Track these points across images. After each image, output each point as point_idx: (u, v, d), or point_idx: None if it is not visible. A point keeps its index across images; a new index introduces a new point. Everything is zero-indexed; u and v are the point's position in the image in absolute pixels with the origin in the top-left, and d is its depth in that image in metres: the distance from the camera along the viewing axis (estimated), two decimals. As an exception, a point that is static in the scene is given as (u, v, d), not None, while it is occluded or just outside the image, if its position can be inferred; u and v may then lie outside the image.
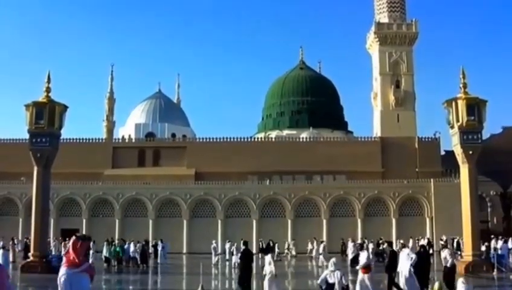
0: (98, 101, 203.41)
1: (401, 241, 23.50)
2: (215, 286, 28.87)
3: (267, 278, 18.32)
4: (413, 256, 19.27)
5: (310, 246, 51.30)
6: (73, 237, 6.98)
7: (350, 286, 18.47)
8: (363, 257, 19.49)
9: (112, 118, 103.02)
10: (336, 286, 15.95)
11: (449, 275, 19.61)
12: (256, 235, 58.53)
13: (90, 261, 40.43)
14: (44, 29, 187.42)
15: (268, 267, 18.38)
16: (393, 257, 20.57)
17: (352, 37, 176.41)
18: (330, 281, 16.11)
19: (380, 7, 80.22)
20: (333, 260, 16.89)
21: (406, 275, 18.94)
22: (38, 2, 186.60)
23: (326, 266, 18.07)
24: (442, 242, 21.26)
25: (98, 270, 36.25)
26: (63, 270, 6.77)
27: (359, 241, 48.16)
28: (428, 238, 52.40)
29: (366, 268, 17.94)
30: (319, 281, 17.08)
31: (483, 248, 37.00)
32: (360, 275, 17.95)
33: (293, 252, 53.28)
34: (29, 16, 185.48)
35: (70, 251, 6.80)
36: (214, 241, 47.21)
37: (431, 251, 50.09)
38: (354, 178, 63.71)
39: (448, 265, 19.89)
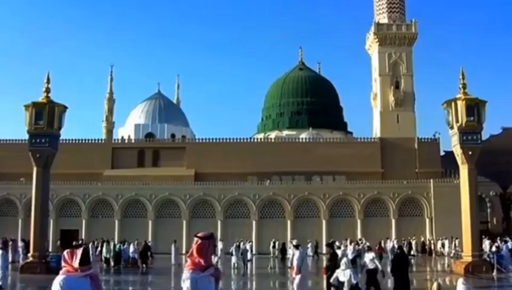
0: (97, 102, 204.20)
1: (367, 243, 23.03)
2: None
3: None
4: (377, 262, 19.50)
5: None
6: (196, 238, 6.18)
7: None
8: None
9: (111, 119, 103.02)
10: (345, 284, 16.63)
11: (372, 277, 19.41)
12: (256, 236, 58.59)
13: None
14: (44, 29, 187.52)
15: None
16: (334, 258, 20.61)
17: (351, 37, 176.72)
18: (341, 279, 16.96)
19: (380, 8, 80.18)
20: (344, 259, 17.41)
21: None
22: (38, 2, 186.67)
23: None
24: (368, 244, 21.01)
25: (99, 270, 36.19)
26: (186, 273, 6.05)
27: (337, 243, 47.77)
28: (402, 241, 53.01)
29: (325, 269, 18.22)
30: (331, 280, 17.99)
31: (493, 249, 37.07)
32: (297, 278, 18.13)
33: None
34: (29, 17, 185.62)
35: (195, 252, 6.07)
36: (295, 241, 47.27)
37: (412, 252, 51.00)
38: (353, 179, 63.70)
39: (369, 267, 19.71)
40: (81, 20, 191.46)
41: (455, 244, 52.26)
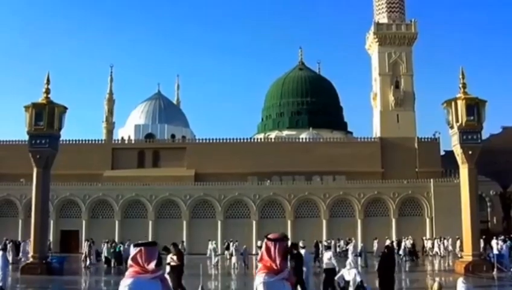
0: (97, 103, 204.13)
1: (325, 244, 22.72)
2: (215, 286, 28.85)
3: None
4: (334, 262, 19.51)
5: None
6: (266, 239, 5.64)
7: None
8: (326, 257, 19.77)
9: (111, 119, 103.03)
10: (351, 283, 16.84)
11: (328, 278, 19.32)
12: (256, 236, 58.55)
13: (88, 262, 40.51)
14: (43, 30, 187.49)
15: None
16: (299, 259, 20.59)
17: (351, 37, 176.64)
18: (347, 278, 17.14)
19: (379, 8, 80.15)
20: (349, 259, 17.58)
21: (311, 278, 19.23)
22: (37, 2, 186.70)
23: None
24: (325, 244, 20.73)
25: (97, 271, 36.28)
26: (259, 278, 5.51)
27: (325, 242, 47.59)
28: (393, 240, 53.18)
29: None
30: (336, 278, 18.20)
31: (500, 247, 37.15)
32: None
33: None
34: (28, 17, 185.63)
35: (265, 255, 5.53)
36: (213, 242, 47.33)
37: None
38: (353, 178, 63.72)
39: (325, 266, 19.64)
40: (81, 20, 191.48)
41: (444, 244, 52.22)
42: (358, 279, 16.94)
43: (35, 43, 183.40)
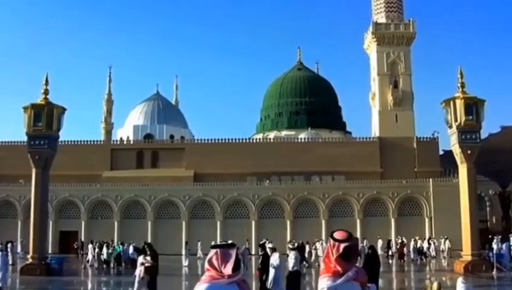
0: (96, 103, 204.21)
1: (270, 245, 22.50)
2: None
3: None
4: (277, 262, 19.25)
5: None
6: (330, 238, 5.14)
7: None
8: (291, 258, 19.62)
9: (110, 120, 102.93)
10: None
11: (292, 279, 19.17)
12: (255, 236, 58.55)
13: (89, 262, 40.53)
14: (41, 30, 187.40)
15: None
16: (265, 259, 20.54)
17: (349, 37, 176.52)
18: None
19: (378, 7, 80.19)
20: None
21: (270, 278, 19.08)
22: (37, 2, 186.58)
23: None
24: (289, 245, 20.57)
25: (97, 272, 36.27)
26: (322, 282, 5.06)
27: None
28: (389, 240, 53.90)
29: (258, 270, 18.12)
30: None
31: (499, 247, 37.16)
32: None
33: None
34: (27, 17, 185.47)
35: (329, 256, 5.07)
36: (212, 242, 47.37)
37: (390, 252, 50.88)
38: (352, 178, 63.73)
39: (291, 269, 19.40)
40: (80, 21, 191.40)
41: (434, 243, 52.08)
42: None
43: (35, 43, 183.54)
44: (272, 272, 18.94)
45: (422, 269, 39.76)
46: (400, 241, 49.68)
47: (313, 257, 43.71)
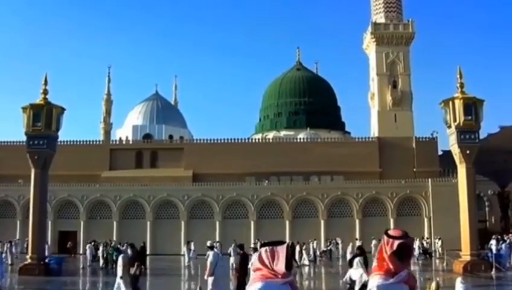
0: (95, 103, 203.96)
1: (252, 245, 22.26)
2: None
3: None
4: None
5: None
6: (384, 235, 4.88)
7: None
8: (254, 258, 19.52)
9: (109, 120, 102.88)
10: (357, 282, 17.02)
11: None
12: (254, 237, 58.55)
13: (89, 262, 40.56)
14: (41, 30, 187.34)
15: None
16: (244, 260, 20.51)
17: (348, 37, 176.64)
18: (354, 278, 17.34)
19: (377, 7, 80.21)
20: (358, 259, 17.74)
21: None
22: (37, 2, 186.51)
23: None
24: (252, 246, 20.02)
25: (97, 271, 36.27)
26: (373, 280, 4.84)
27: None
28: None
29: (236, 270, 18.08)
30: (344, 279, 18.59)
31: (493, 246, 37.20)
32: (210, 279, 18.06)
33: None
34: (26, 17, 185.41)
35: (384, 253, 4.80)
36: (209, 242, 47.26)
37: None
38: (351, 178, 63.73)
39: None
40: (80, 20, 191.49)
41: (422, 244, 52.10)
42: (364, 279, 17.09)
43: (35, 43, 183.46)
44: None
45: (426, 269, 39.76)
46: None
47: (304, 257, 43.40)
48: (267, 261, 4.52)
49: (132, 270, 19.03)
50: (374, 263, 4.89)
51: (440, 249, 51.59)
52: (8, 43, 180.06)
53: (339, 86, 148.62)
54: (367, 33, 79.74)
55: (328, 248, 53.77)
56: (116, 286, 19.21)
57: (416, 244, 49.18)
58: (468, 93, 32.99)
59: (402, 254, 4.72)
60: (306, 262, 41.92)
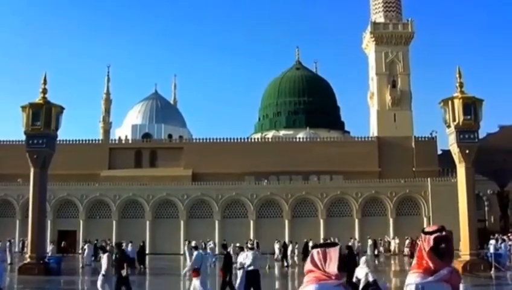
0: (94, 102, 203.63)
1: (238, 244, 22.42)
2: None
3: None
4: (240, 261, 19.27)
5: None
6: (422, 234, 4.76)
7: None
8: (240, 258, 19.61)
9: (108, 119, 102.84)
10: (362, 281, 17.04)
11: (250, 279, 19.06)
12: (254, 236, 58.59)
13: (89, 261, 40.51)
14: (40, 30, 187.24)
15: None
16: (228, 259, 20.57)
17: (348, 37, 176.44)
18: (359, 277, 17.30)
19: (376, 7, 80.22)
20: (364, 258, 17.81)
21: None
22: (37, 2, 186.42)
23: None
24: (248, 245, 20.12)
25: (95, 272, 36.25)
26: (411, 278, 4.64)
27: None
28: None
29: (196, 271, 18.07)
30: (354, 279, 18.25)
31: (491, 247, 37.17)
32: (193, 280, 18.10)
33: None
34: (25, 17, 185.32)
35: (422, 251, 4.66)
36: (211, 242, 47.31)
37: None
38: (351, 178, 63.74)
39: (249, 268, 19.23)
40: (80, 20, 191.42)
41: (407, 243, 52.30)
42: (370, 278, 17.11)
43: (35, 43, 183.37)
44: (239, 271, 19.00)
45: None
46: (410, 240, 50.18)
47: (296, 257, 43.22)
48: (319, 263, 4.43)
49: (124, 272, 19.03)
50: (414, 262, 4.77)
51: (408, 249, 52.02)
52: (8, 43, 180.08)
53: (339, 86, 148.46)
54: (366, 33, 79.75)
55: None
56: (98, 285, 19.20)
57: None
58: (468, 93, 32.97)
59: (442, 251, 4.60)
60: (297, 262, 41.71)
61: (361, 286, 17.41)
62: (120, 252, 20.22)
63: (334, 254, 4.41)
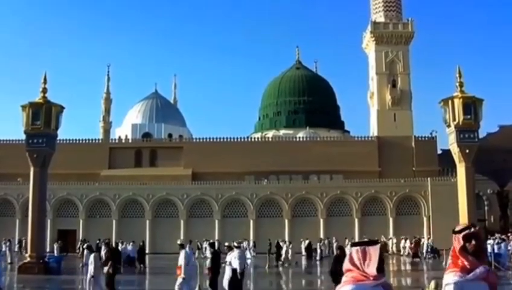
0: (94, 102, 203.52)
1: (227, 243, 22.77)
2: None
3: None
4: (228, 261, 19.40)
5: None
6: (452, 234, 4.68)
7: None
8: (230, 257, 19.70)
9: (108, 119, 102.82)
10: None
11: (234, 278, 19.13)
12: (254, 235, 58.63)
13: (90, 262, 40.50)
14: (40, 30, 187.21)
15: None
16: (216, 258, 20.61)
17: (348, 36, 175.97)
18: None
19: (376, 6, 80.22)
20: None
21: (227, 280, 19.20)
22: (37, 2, 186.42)
23: None
24: (234, 243, 20.33)
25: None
26: (448, 277, 4.55)
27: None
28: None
29: (180, 269, 18.04)
30: None
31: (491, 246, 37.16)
32: (180, 279, 18.04)
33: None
34: (25, 17, 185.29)
35: (456, 251, 4.57)
36: (179, 240, 47.33)
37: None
38: (351, 177, 63.74)
39: (233, 266, 19.29)
40: (80, 20, 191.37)
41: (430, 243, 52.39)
42: None
43: (35, 43, 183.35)
44: (227, 269, 19.13)
45: (418, 269, 39.80)
46: (414, 239, 50.37)
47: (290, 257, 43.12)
48: (358, 263, 4.30)
49: (105, 270, 19.09)
50: (449, 261, 4.70)
51: (408, 249, 52.15)
52: (8, 43, 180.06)
53: (339, 85, 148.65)
54: (366, 32, 79.76)
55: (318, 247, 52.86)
56: (86, 284, 19.24)
57: (425, 243, 49.71)
58: (468, 93, 33.00)
59: (473, 249, 4.52)
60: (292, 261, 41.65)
61: None
62: (108, 251, 20.26)
63: (374, 253, 4.27)
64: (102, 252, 26.89)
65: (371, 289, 4.19)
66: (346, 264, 4.34)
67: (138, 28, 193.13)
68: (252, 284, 28.17)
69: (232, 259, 19.22)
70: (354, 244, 4.43)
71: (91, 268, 19.05)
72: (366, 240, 4.40)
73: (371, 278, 4.19)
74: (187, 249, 19.09)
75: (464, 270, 4.50)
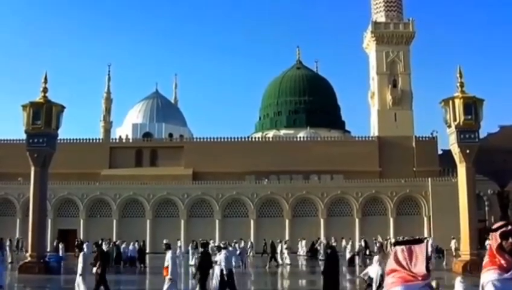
0: (95, 102, 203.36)
1: (222, 243, 22.87)
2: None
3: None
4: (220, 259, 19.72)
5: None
6: (490, 233, 4.50)
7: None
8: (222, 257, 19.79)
9: (109, 118, 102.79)
10: (375, 279, 17.42)
11: (222, 278, 19.18)
12: (254, 235, 58.62)
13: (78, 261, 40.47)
14: (40, 30, 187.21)
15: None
16: (206, 257, 20.66)
17: (349, 36, 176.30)
18: (371, 275, 17.77)
19: (377, 6, 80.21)
20: (377, 257, 17.94)
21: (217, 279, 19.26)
22: (37, 2, 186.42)
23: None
24: (221, 244, 20.33)
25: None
26: (487, 276, 4.34)
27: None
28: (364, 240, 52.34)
29: (167, 269, 18.12)
30: (361, 274, 19.41)
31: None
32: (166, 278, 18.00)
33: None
34: (25, 17, 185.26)
35: (493, 249, 4.38)
36: (165, 240, 47.33)
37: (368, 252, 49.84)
38: (351, 177, 63.73)
39: (222, 267, 19.36)
40: (81, 20, 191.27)
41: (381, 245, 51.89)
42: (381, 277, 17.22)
43: (35, 43, 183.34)
44: (216, 269, 19.21)
45: (437, 267, 39.71)
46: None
47: (286, 256, 42.97)
48: (404, 262, 4.13)
49: (94, 270, 19.15)
50: (486, 260, 4.47)
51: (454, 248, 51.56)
52: (8, 43, 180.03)
53: (339, 85, 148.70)
54: (367, 32, 79.75)
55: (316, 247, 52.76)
56: (76, 283, 19.24)
57: (430, 243, 49.65)
58: (468, 93, 32.99)
59: (511, 248, 4.30)
60: (287, 261, 41.58)
61: (375, 286, 17.45)
62: (98, 251, 20.30)
63: (420, 251, 4.12)
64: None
65: (420, 289, 4.07)
66: (391, 265, 4.19)
67: (138, 27, 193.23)
68: (241, 285, 28.15)
69: (220, 259, 19.41)
70: (397, 243, 4.31)
71: (79, 267, 19.08)
72: (408, 238, 4.27)
73: (419, 278, 4.08)
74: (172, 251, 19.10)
75: (501, 269, 4.34)
